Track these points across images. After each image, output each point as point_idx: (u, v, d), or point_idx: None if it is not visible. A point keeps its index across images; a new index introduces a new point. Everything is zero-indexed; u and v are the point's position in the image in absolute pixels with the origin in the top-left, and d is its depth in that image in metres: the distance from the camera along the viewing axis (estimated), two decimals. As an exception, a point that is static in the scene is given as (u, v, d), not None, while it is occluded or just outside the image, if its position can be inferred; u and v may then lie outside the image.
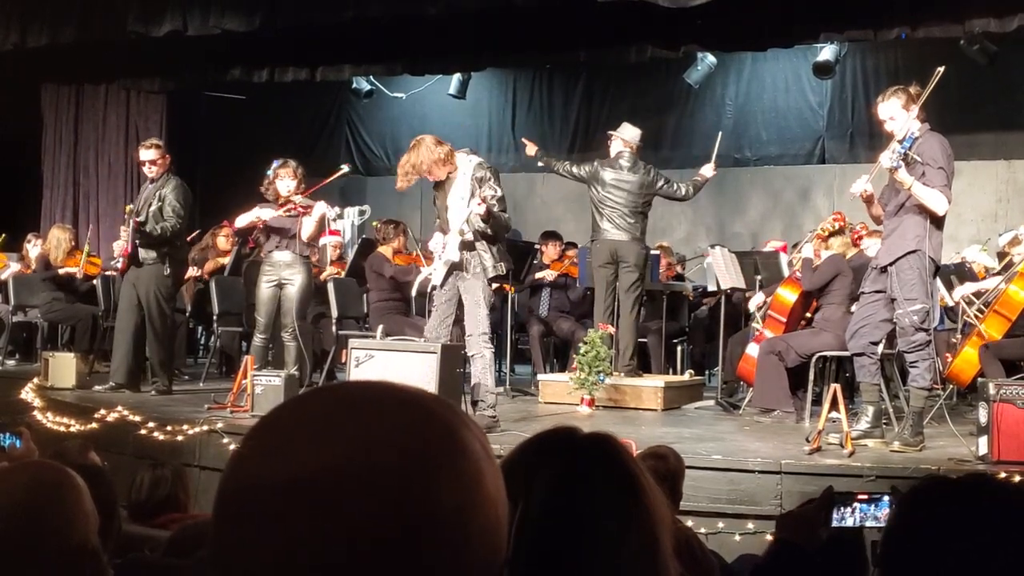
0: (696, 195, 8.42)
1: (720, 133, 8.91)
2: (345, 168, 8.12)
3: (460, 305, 6.27)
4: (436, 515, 0.77)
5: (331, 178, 7.92)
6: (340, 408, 0.81)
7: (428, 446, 0.79)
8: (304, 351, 7.42)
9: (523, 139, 9.00)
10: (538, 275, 9.53)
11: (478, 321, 6.15)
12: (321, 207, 7.28)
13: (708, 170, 8.29)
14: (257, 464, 0.78)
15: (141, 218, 7.49)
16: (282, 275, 7.29)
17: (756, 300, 7.82)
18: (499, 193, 6.15)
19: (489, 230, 6.12)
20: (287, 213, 7.28)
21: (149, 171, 7.68)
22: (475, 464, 0.81)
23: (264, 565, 0.75)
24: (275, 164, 7.45)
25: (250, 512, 0.76)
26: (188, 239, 9.27)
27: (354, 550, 0.74)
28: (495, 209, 6.10)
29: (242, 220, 7.50)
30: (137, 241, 7.51)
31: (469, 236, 6.16)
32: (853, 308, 6.61)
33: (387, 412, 0.80)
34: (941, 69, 5.57)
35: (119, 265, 7.76)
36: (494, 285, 6.66)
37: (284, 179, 7.32)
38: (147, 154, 7.68)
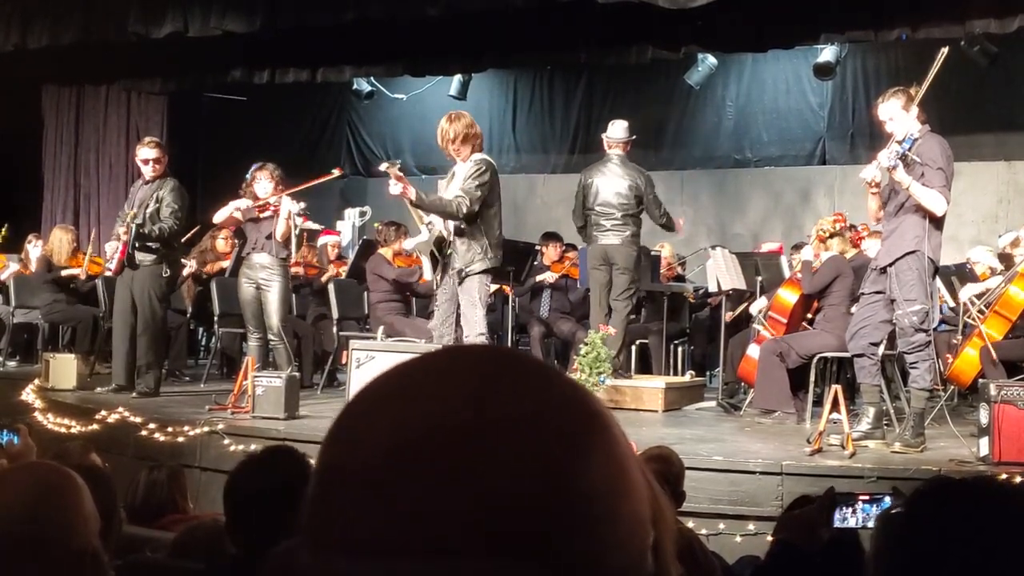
0: (662, 225, 8.23)
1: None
2: (336, 172, 7.87)
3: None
4: (589, 491, 0.61)
5: (320, 180, 7.79)
6: (462, 365, 0.65)
7: (581, 407, 0.64)
8: (290, 351, 7.42)
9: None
10: (539, 277, 9.52)
11: (474, 322, 6.13)
12: (286, 203, 7.19)
13: (678, 226, 8.32)
14: (367, 427, 0.63)
15: (139, 221, 7.39)
16: (259, 277, 7.28)
17: (759, 304, 7.80)
18: (478, 181, 6.13)
19: (425, 215, 6.13)
20: (262, 214, 7.28)
21: (153, 170, 7.50)
22: (625, 447, 0.66)
23: (375, 535, 0.59)
24: (253, 167, 7.42)
25: (356, 480, 0.61)
26: (188, 237, 9.26)
27: (486, 516, 0.58)
28: (426, 199, 6.14)
29: (219, 216, 7.47)
30: (136, 244, 7.44)
31: (446, 230, 6.16)
32: (853, 309, 6.61)
33: (518, 369, 0.65)
34: (945, 50, 5.53)
35: (112, 267, 7.60)
36: (493, 287, 6.66)
37: (261, 181, 7.30)
38: (148, 152, 7.51)
